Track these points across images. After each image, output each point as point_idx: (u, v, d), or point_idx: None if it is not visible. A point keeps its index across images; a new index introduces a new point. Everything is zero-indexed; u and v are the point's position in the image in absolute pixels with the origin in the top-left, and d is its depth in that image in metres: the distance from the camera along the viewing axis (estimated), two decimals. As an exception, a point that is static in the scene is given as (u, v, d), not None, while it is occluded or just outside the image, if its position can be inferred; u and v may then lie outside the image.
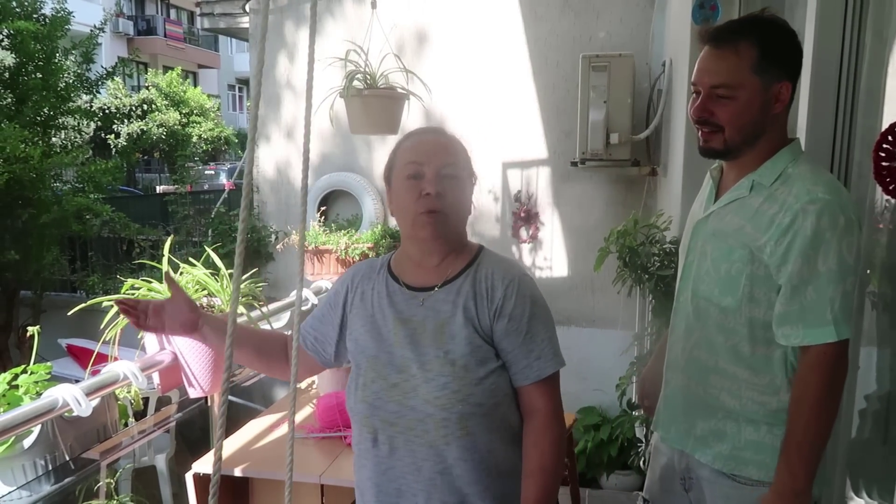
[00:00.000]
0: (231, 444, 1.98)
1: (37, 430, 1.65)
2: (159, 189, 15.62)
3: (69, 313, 2.22)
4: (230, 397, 2.35)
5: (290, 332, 1.53)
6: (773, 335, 1.33)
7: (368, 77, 2.58)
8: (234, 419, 2.28)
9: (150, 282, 1.94)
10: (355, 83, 2.52)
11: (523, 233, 4.30)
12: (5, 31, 7.08)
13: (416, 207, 1.29)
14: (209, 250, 2.14)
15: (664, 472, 1.57)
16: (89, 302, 2.01)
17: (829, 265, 1.25)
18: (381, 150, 4.48)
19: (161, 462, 2.61)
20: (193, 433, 2.59)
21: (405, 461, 1.30)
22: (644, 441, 3.15)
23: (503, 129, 4.25)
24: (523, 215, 4.27)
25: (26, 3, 7.56)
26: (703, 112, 1.37)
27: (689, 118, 1.42)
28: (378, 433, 1.32)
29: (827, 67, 1.77)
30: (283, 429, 2.07)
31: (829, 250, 1.25)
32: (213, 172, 18.54)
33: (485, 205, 4.26)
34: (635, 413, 3.32)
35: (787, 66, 1.35)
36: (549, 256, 4.30)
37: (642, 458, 3.16)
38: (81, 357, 5.52)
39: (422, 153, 1.31)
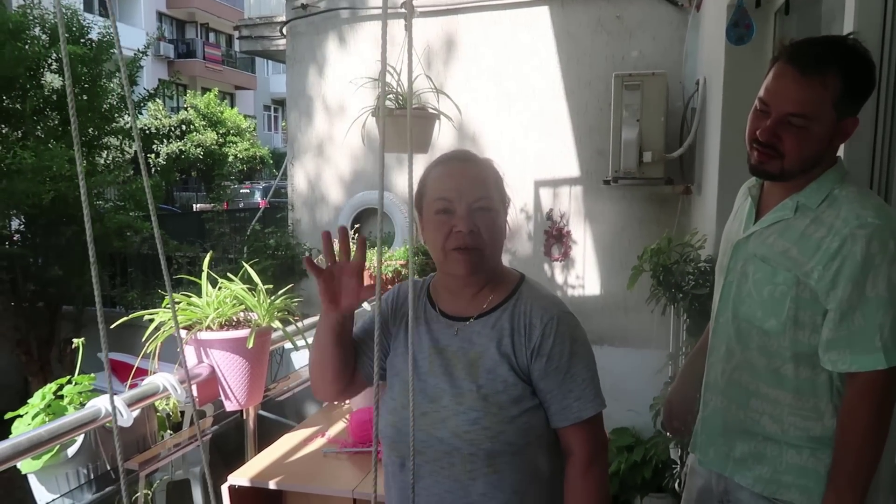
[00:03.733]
0: (265, 458, 2.01)
1: (80, 439, 1.70)
2: (196, 207, 15.97)
3: (111, 327, 2.28)
4: (262, 412, 2.37)
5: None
6: (818, 359, 1.30)
7: (400, 97, 2.62)
8: (267, 434, 2.30)
9: (190, 296, 1.99)
10: (387, 103, 2.57)
11: (555, 251, 4.29)
12: (54, 55, 7.35)
13: (448, 244, 1.24)
14: (246, 266, 2.19)
15: (701, 495, 1.55)
16: (130, 316, 2.07)
17: (878, 291, 1.22)
18: (403, 168, 4.52)
19: (195, 475, 2.65)
20: (228, 446, 2.62)
21: (429, 491, 1.28)
22: (679, 463, 3.09)
23: (535, 148, 4.27)
24: (555, 233, 4.27)
25: (74, 29, 7.86)
26: (773, 137, 1.30)
27: (747, 132, 1.36)
28: (406, 459, 1.30)
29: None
30: (317, 443, 2.10)
31: (879, 276, 1.22)
32: (248, 191, 18.92)
33: (516, 223, 4.27)
34: (669, 434, 3.27)
35: (861, 103, 1.30)
36: (581, 275, 4.28)
37: (677, 481, 3.10)
38: (120, 371, 5.64)
39: (451, 188, 1.25)
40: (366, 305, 2.87)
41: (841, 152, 1.77)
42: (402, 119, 2.57)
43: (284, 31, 5.07)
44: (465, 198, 1.24)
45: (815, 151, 1.31)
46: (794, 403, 1.35)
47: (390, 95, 2.57)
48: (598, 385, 1.28)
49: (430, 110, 2.62)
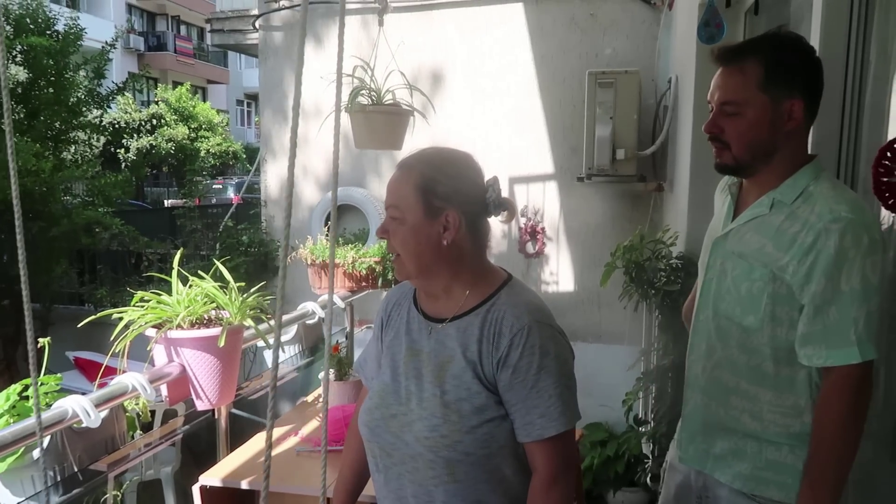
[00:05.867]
0: (237, 458, 1.99)
1: (46, 440, 1.66)
2: (167, 203, 15.75)
3: (79, 325, 2.23)
4: (235, 411, 2.35)
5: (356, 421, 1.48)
6: (796, 356, 1.31)
7: (373, 93, 2.60)
8: (240, 433, 2.28)
9: (160, 294, 1.95)
10: (360, 99, 2.55)
11: (529, 248, 4.31)
12: (19, 46, 7.18)
13: None
14: (218, 263, 2.15)
15: (679, 491, 1.55)
16: (98, 314, 2.03)
17: (852, 285, 1.23)
18: (387, 166, 4.50)
19: (166, 475, 2.61)
20: (200, 446, 2.59)
21: (398, 494, 1.28)
22: (651, 457, 3.13)
23: (509, 145, 4.27)
24: (529, 230, 4.29)
25: (40, 20, 7.68)
26: (714, 128, 1.39)
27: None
28: (378, 460, 1.31)
29: (831, 84, 1.77)
30: (290, 442, 2.08)
31: (853, 270, 1.23)
32: (220, 186, 18.70)
33: (491, 220, 4.28)
34: (642, 429, 3.31)
35: (797, 82, 1.34)
36: (556, 271, 4.31)
37: (649, 475, 3.14)
38: (89, 370, 5.53)
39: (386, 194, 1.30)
40: (334, 298, 2.86)
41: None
42: (374, 116, 2.55)
43: (257, 24, 5.00)
44: (386, 203, 1.29)
45: (760, 136, 1.35)
46: (774, 400, 1.35)
47: (363, 92, 2.55)
48: (568, 401, 1.22)
49: (404, 107, 2.61)
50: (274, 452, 2.00)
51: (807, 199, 1.32)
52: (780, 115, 1.34)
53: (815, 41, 1.80)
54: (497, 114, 4.31)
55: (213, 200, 15.88)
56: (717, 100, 1.39)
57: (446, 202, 1.24)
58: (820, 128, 1.80)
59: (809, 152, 1.70)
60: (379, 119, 2.49)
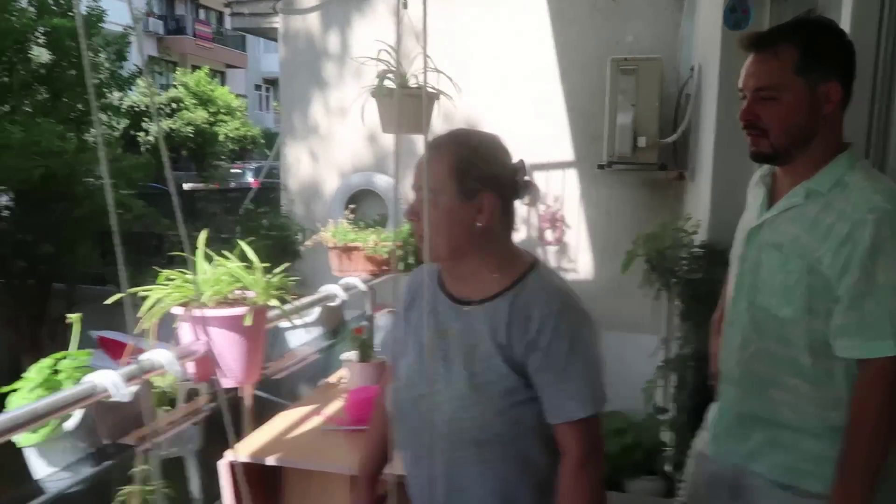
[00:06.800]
0: (262, 435, 2.02)
1: (79, 414, 1.70)
2: (187, 186, 15.88)
3: (106, 302, 2.26)
4: (258, 392, 2.38)
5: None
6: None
7: (400, 76, 2.60)
8: (261, 413, 2.31)
9: (185, 272, 1.98)
10: (386, 82, 2.55)
11: (549, 235, 4.31)
12: (42, 28, 7.25)
13: None
14: (243, 244, 2.18)
15: (711, 479, 1.53)
16: (125, 293, 2.06)
17: (889, 276, 1.22)
18: (409, 152, 4.51)
19: (191, 451, 2.66)
20: (223, 425, 2.63)
21: (426, 473, 1.30)
22: (671, 446, 3.14)
23: (529, 132, 4.25)
24: (549, 218, 4.28)
25: (62, 2, 7.75)
26: (750, 115, 1.37)
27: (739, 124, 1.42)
28: (406, 440, 1.33)
29: (861, 71, 1.75)
30: (314, 420, 2.11)
31: (890, 261, 1.22)
32: (239, 171, 18.82)
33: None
34: (662, 417, 3.31)
35: (833, 66, 1.32)
36: (575, 259, 4.31)
37: (667, 463, 3.15)
38: (113, 349, 5.61)
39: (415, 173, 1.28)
40: (355, 281, 2.89)
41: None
42: (402, 99, 2.55)
43: (278, 8, 5.01)
44: (414, 183, 1.29)
45: (798, 122, 1.33)
46: (813, 393, 1.33)
47: (389, 75, 2.55)
48: (597, 385, 1.23)
49: (430, 90, 2.61)
50: (299, 431, 2.04)
51: (842, 188, 1.30)
52: (818, 98, 1.32)
53: (844, 27, 1.78)
54: (517, 100, 4.29)
55: (233, 185, 16.00)
56: (751, 86, 1.37)
57: (482, 184, 1.23)
58: (849, 115, 1.78)
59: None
60: (406, 102, 2.49)
